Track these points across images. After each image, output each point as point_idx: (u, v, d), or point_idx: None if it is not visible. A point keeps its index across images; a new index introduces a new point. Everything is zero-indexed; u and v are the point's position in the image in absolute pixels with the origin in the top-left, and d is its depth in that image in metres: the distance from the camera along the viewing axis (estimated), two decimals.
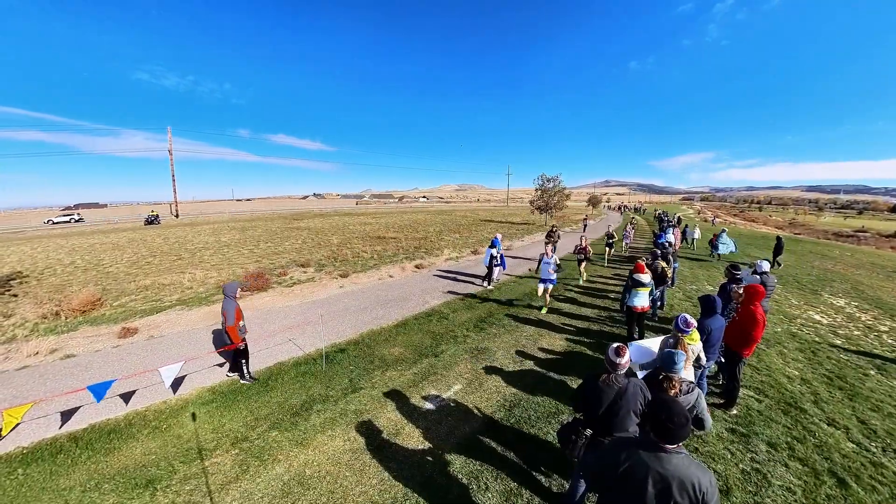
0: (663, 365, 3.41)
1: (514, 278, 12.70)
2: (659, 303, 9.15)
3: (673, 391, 3.22)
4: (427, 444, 4.69)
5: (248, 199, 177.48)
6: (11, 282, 13.20)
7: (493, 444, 4.65)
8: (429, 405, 5.46)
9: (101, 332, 8.53)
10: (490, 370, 6.38)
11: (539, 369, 6.37)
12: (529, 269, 13.97)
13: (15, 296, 11.31)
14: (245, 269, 13.97)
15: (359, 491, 4.10)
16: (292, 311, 9.36)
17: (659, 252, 9.97)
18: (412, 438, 4.80)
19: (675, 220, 26.43)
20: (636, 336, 7.03)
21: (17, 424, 5.10)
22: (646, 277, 6.85)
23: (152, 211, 57.70)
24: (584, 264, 11.90)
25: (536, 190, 33.16)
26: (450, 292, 10.87)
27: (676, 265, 11.39)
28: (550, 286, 8.82)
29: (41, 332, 8.56)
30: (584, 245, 11.91)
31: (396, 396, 5.71)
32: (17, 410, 4.58)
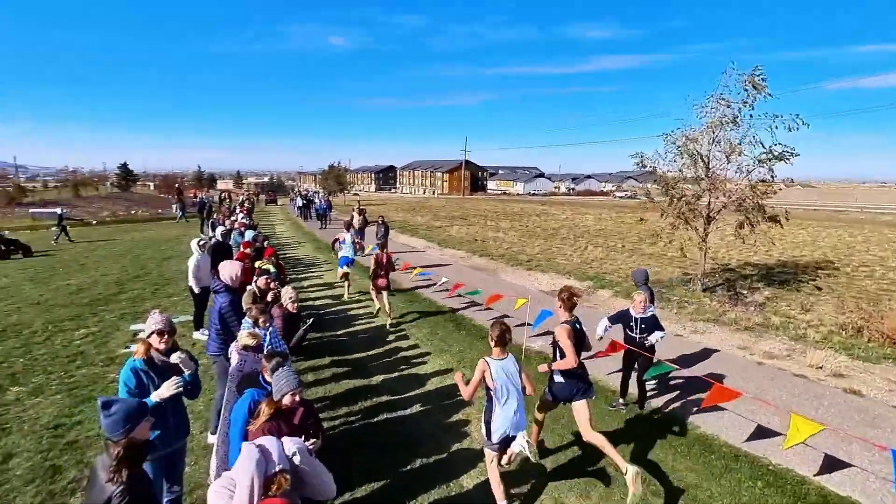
0: None
1: None
2: None
3: None
4: None
5: None
6: (820, 270, 14.53)
7: None
8: None
9: None
10: None
11: None
12: None
13: (819, 288, 12.41)
14: None
15: None
16: None
17: None
18: None
19: None
20: None
21: (798, 443, 4.53)
22: None
23: None
24: None
25: None
26: None
27: None
28: None
29: (832, 345, 8.40)
30: None
31: None
32: (806, 425, 4.38)
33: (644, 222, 13.04)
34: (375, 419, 5.81)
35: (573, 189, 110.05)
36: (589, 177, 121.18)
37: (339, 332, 8.87)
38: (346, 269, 11.03)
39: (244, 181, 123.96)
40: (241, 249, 9.65)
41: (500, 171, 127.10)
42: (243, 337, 3.99)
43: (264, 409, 2.97)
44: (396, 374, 7.18)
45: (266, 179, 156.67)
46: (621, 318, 6.10)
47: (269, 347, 4.26)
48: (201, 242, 8.38)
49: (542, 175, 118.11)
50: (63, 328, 8.89)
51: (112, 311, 10.05)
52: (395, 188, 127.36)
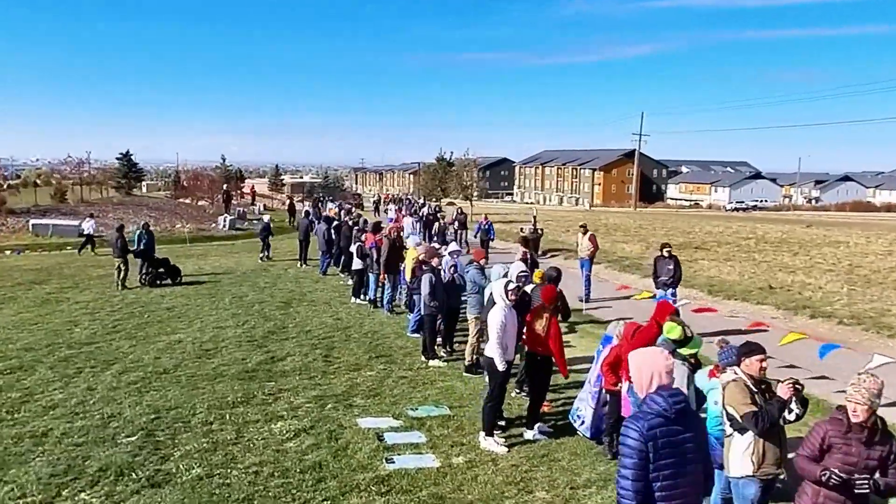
0: None
1: None
2: None
3: None
4: None
5: None
6: None
7: None
8: None
9: None
10: None
11: None
12: None
13: None
14: None
15: None
16: None
17: None
18: None
19: None
20: None
21: None
22: None
23: None
24: None
25: None
26: None
27: None
28: None
29: None
30: None
31: None
32: None
33: None
34: None
35: (817, 200, 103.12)
36: (846, 178, 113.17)
37: None
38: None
39: (283, 180, 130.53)
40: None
41: (683, 170, 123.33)
42: None
43: None
44: None
45: (307, 178, 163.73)
46: None
47: None
48: (511, 288, 7.94)
49: (758, 175, 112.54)
50: (246, 418, 8.88)
51: (291, 389, 10.20)
52: (512, 193, 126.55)
